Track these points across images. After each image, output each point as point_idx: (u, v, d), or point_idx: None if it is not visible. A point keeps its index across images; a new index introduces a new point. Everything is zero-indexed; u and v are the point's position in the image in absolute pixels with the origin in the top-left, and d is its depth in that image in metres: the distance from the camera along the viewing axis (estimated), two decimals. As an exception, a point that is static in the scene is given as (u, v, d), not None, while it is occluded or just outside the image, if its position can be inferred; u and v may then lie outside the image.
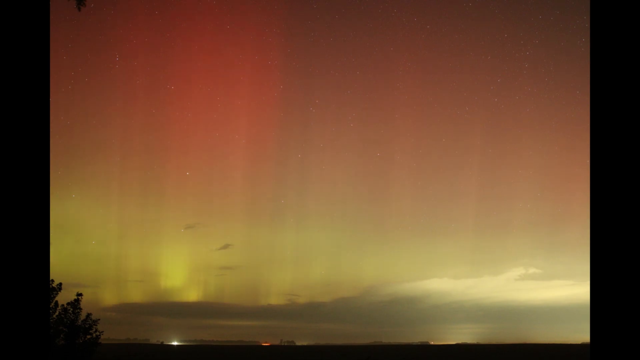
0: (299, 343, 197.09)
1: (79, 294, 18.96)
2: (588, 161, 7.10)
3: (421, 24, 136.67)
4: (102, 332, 19.13)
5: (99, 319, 19.19)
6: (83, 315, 18.93)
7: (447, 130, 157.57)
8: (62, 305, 18.62)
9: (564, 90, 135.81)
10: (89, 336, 18.87)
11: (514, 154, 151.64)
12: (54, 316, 18.35)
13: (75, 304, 18.82)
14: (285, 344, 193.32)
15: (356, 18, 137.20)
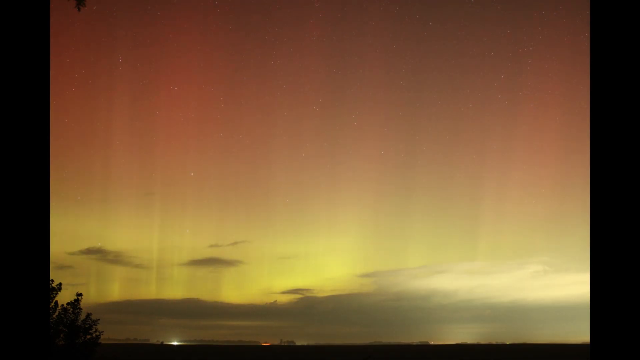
0: (299, 343, 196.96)
1: (79, 294, 18.96)
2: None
3: (423, 22, 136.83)
4: (102, 332, 19.14)
5: (99, 319, 19.21)
6: (83, 315, 18.94)
7: (451, 128, 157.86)
8: (62, 305, 18.61)
9: (567, 86, 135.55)
10: (89, 336, 18.87)
11: (517, 150, 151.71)
12: (54, 316, 18.34)
13: (75, 304, 18.82)
14: (285, 344, 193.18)
15: (358, 16, 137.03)
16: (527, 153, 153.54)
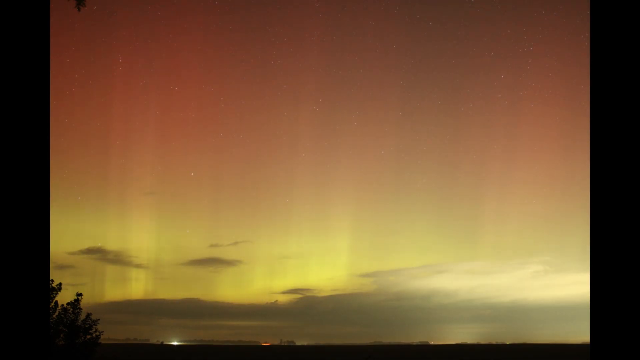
0: (299, 343, 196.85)
1: (79, 294, 18.97)
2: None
3: (424, 21, 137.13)
4: (102, 332, 19.14)
5: (99, 319, 19.22)
6: (83, 315, 18.94)
7: (451, 127, 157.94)
8: (62, 305, 18.62)
9: (567, 86, 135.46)
10: (89, 336, 18.87)
11: (518, 150, 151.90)
12: (54, 316, 18.34)
13: (75, 304, 18.82)
14: (286, 344, 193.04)
15: (358, 16, 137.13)
16: (527, 153, 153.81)
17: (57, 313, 18.42)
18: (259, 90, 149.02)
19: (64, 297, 18.66)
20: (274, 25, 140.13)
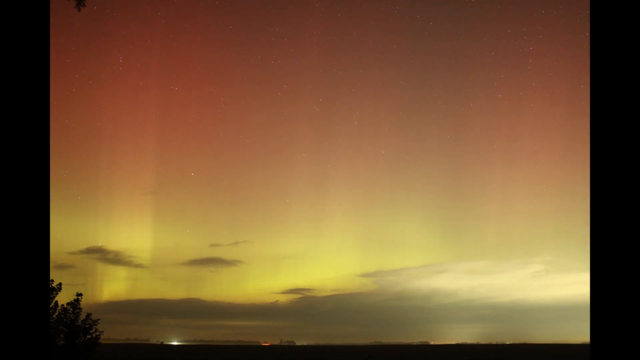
0: (299, 343, 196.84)
1: (79, 294, 18.98)
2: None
3: (424, 21, 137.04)
4: (102, 332, 19.16)
5: (99, 319, 19.23)
6: (83, 315, 18.95)
7: (451, 127, 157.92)
8: (62, 305, 18.64)
9: (567, 85, 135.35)
10: (89, 336, 18.89)
11: (518, 150, 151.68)
12: (54, 316, 18.36)
13: (75, 304, 18.83)
14: (286, 344, 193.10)
15: (359, 16, 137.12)
16: (528, 152, 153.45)
17: (57, 313, 18.44)
18: (259, 90, 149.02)
19: (64, 297, 18.70)
20: (274, 25, 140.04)
